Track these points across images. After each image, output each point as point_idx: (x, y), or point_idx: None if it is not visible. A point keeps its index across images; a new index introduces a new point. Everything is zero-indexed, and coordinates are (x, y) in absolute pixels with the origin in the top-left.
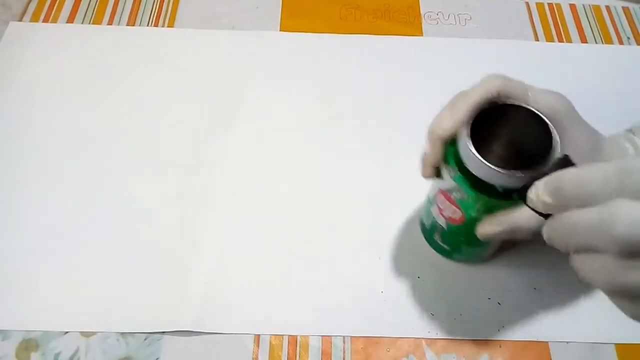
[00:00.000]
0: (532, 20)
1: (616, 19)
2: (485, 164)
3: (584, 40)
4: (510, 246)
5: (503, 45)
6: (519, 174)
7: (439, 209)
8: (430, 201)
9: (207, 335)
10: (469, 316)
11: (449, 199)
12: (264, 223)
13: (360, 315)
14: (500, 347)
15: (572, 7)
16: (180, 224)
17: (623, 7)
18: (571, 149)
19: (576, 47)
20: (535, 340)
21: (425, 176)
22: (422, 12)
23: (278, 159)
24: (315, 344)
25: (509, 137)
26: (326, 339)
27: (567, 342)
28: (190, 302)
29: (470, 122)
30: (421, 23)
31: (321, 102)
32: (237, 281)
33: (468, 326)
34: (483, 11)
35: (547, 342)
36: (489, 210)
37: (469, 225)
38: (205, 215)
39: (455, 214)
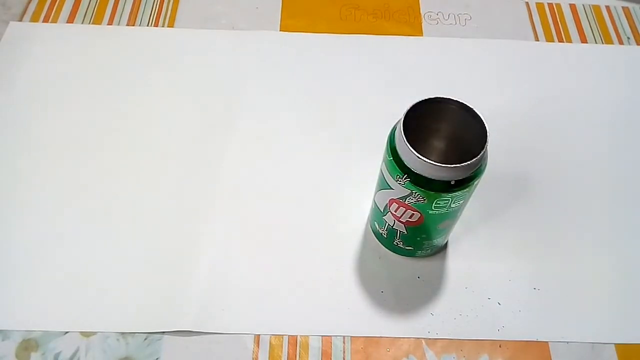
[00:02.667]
0: (532, 20)
1: (616, 19)
2: (434, 164)
3: (584, 40)
4: None
5: (503, 45)
6: (466, 163)
7: (395, 216)
8: (382, 211)
9: (207, 335)
10: (469, 316)
11: (403, 205)
12: (264, 223)
13: (360, 315)
14: (500, 347)
15: (572, 7)
16: (180, 224)
17: (623, 7)
18: None
19: (576, 47)
20: (535, 340)
21: None
22: (422, 12)
23: (278, 158)
24: (315, 344)
25: (448, 131)
26: (326, 339)
27: (567, 342)
28: (190, 302)
29: (403, 130)
30: (421, 23)
31: (321, 102)
32: (237, 281)
33: (468, 326)
34: (483, 11)
35: (547, 342)
36: (446, 203)
37: (429, 221)
38: (205, 215)
39: (414, 217)
